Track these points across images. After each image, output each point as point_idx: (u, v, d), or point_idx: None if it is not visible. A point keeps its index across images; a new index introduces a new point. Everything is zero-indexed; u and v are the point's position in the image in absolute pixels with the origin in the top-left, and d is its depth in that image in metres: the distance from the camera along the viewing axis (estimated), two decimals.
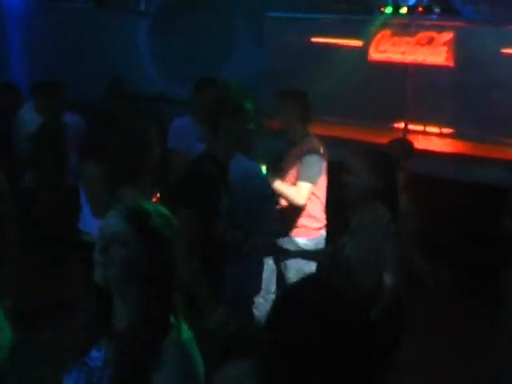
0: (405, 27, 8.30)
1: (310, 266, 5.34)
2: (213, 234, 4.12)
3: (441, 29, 8.17)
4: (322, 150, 5.61)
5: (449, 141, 7.96)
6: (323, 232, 5.73)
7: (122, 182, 4.47)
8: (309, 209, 5.65)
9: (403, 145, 5.64)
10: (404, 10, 9.20)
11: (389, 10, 9.32)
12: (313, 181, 5.53)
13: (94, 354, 2.49)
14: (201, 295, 4.02)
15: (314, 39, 8.84)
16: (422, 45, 8.12)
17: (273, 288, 5.85)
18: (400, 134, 7.55)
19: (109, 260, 2.41)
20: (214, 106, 4.27)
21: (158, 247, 2.44)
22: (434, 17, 8.90)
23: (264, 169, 5.39)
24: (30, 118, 7.09)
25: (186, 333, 2.46)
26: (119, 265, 2.41)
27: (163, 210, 2.53)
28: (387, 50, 8.35)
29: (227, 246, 4.32)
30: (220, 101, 4.24)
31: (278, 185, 5.46)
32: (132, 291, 2.43)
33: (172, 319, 2.45)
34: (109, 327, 2.49)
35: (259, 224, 4.90)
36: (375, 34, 8.45)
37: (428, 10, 9.16)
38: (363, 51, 8.50)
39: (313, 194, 5.60)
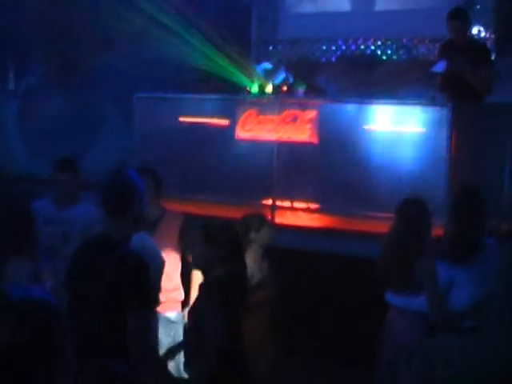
0: (270, 106, 8.51)
1: None
2: None
3: (304, 107, 8.43)
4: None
5: (316, 215, 8.16)
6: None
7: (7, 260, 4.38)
8: (178, 280, 5.72)
9: (254, 218, 5.82)
10: (269, 90, 9.48)
11: (254, 89, 9.58)
12: None
13: None
14: None
15: (181, 118, 8.95)
16: (287, 123, 8.33)
17: None
18: (268, 211, 7.70)
19: None
20: (123, 193, 4.30)
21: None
22: (299, 95, 9.21)
23: None
24: None
25: None
26: None
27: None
28: (253, 128, 8.52)
29: None
30: (130, 189, 4.28)
31: None
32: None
33: None
34: None
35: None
36: (241, 112, 8.64)
37: (292, 89, 9.47)
38: (230, 130, 8.66)
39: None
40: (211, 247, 4.51)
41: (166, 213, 5.88)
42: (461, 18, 8.02)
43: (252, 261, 5.55)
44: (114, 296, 3.94)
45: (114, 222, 4.25)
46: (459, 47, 7.93)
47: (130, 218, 4.25)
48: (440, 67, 7.91)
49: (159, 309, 5.69)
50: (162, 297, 5.71)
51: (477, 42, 8.98)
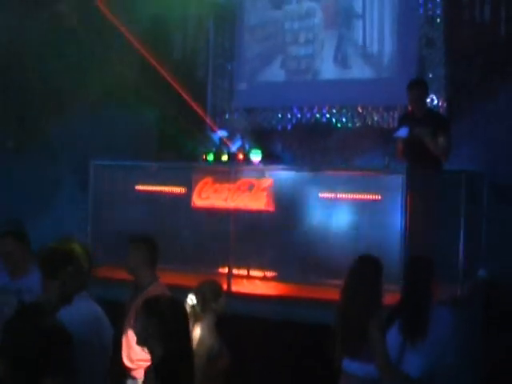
0: (226, 174, 8.53)
1: None
2: None
3: (260, 175, 8.46)
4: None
5: (272, 283, 8.13)
6: None
7: None
8: None
9: (212, 287, 5.77)
10: (225, 158, 9.53)
11: (210, 157, 9.62)
12: None
13: None
14: None
15: (138, 186, 8.93)
16: (243, 191, 8.35)
17: None
18: (224, 279, 7.65)
19: None
20: (52, 260, 4.41)
21: None
22: (255, 163, 9.26)
23: None
24: None
25: None
26: None
27: None
28: (209, 196, 8.52)
29: None
30: (64, 257, 4.39)
31: None
32: None
33: None
34: None
35: None
36: (198, 180, 8.64)
37: (248, 157, 9.52)
38: (186, 198, 8.65)
39: None
40: (154, 323, 4.23)
41: (153, 283, 5.80)
42: (420, 88, 8.18)
43: (208, 330, 5.50)
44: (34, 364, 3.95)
45: (45, 287, 4.25)
46: (418, 117, 8.06)
47: (58, 285, 4.23)
48: (403, 132, 8.03)
49: (137, 374, 5.60)
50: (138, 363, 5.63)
51: (435, 112, 9.14)
